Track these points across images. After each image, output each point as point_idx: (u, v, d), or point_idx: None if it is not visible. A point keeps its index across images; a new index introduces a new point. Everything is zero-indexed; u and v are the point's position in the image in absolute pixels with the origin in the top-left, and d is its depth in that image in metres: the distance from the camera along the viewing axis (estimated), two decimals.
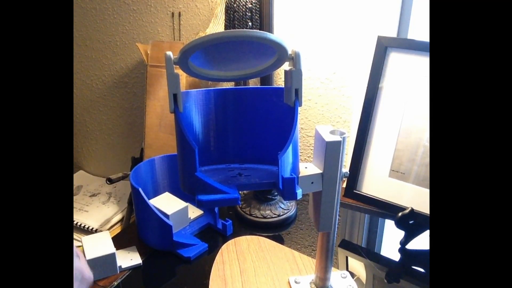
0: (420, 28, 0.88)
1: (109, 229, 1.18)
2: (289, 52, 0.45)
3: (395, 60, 0.76)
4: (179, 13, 1.11)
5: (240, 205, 0.83)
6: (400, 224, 0.71)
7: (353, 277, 0.62)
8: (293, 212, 0.81)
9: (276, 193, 0.82)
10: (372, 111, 0.78)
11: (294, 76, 0.46)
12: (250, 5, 0.87)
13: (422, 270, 0.68)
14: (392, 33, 0.86)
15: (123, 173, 1.16)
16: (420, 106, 0.73)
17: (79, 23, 1.28)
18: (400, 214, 0.71)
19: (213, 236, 0.76)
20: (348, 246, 0.74)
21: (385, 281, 0.65)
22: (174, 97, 0.45)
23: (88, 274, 0.49)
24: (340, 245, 0.74)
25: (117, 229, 1.20)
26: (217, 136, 0.53)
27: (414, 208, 0.72)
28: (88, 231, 1.16)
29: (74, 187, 1.41)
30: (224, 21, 0.92)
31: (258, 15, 0.88)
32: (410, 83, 0.74)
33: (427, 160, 0.72)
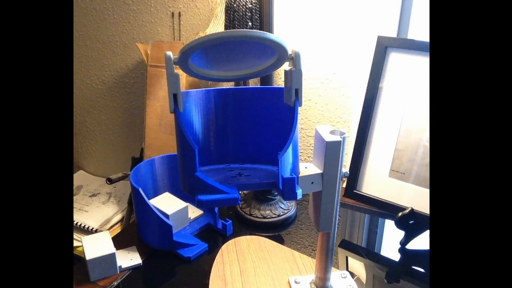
0: (420, 28, 0.88)
1: (109, 229, 1.18)
2: (289, 52, 0.45)
3: (395, 60, 0.76)
4: (179, 13, 1.11)
5: (240, 205, 0.83)
6: (400, 224, 0.71)
7: (353, 277, 0.62)
8: (293, 212, 0.81)
9: (276, 193, 0.82)
10: (372, 111, 0.78)
11: (294, 76, 0.46)
12: (250, 5, 0.87)
13: (422, 270, 0.68)
14: (392, 33, 0.86)
15: (123, 173, 1.16)
16: (420, 106, 0.73)
17: (79, 23, 1.28)
18: (400, 214, 0.71)
19: (213, 236, 0.76)
20: (348, 246, 0.74)
21: (385, 281, 0.65)
22: (174, 97, 0.45)
23: None
24: (340, 245, 0.74)
25: (117, 229, 1.20)
26: (217, 136, 0.53)
27: (414, 208, 0.72)
28: (88, 231, 1.16)
29: (74, 187, 1.41)
30: (224, 21, 0.92)
31: (258, 15, 0.88)
32: (410, 83, 0.74)
33: (427, 160, 0.72)
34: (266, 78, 0.92)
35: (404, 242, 0.72)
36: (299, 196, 0.44)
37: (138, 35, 1.20)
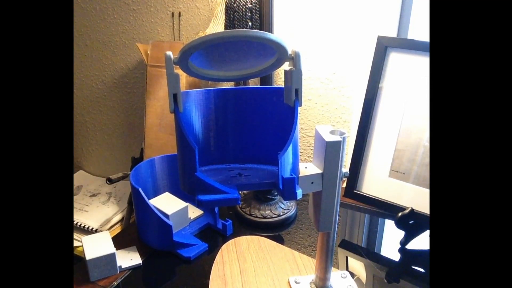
0: (420, 28, 0.88)
1: (109, 229, 1.18)
2: (289, 52, 0.45)
3: (395, 60, 0.76)
4: (179, 13, 1.11)
5: (240, 205, 0.83)
6: (400, 224, 0.71)
7: (353, 277, 0.62)
8: (293, 212, 0.81)
9: (276, 193, 0.82)
10: (372, 111, 0.78)
11: (294, 76, 0.46)
12: (250, 5, 0.88)
13: (422, 270, 0.68)
14: (392, 33, 0.86)
15: (123, 173, 1.16)
16: (420, 106, 0.73)
17: (79, 23, 1.28)
18: (400, 214, 0.71)
19: (213, 236, 0.76)
20: (348, 246, 0.74)
21: (385, 281, 0.65)
22: (174, 97, 0.45)
23: None
24: (340, 245, 0.74)
25: (117, 229, 1.20)
26: (217, 136, 0.53)
27: (414, 208, 0.72)
28: (88, 231, 1.16)
29: (74, 187, 1.41)
30: (224, 21, 0.92)
31: (258, 15, 0.88)
32: (410, 83, 0.74)
33: (427, 160, 0.72)
34: (266, 78, 0.92)
35: (404, 242, 0.72)
36: (299, 196, 0.44)
37: (138, 35, 1.20)
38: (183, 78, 0.99)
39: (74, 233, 1.17)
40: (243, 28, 0.89)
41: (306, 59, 0.96)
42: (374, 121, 0.78)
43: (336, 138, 0.47)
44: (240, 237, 0.73)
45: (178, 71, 0.44)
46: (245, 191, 0.86)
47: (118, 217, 1.23)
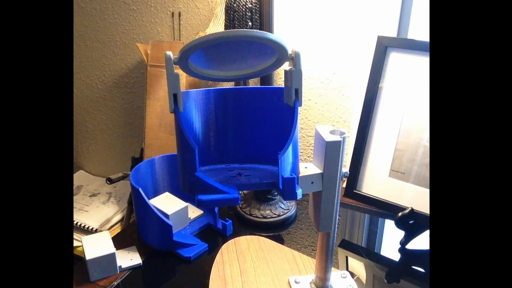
0: (420, 28, 0.88)
1: (109, 229, 1.18)
2: (289, 52, 0.45)
3: (395, 60, 0.76)
4: (179, 13, 1.11)
5: (240, 205, 0.83)
6: (400, 224, 0.71)
7: (353, 277, 0.62)
8: (293, 212, 0.81)
9: (276, 193, 0.82)
10: (372, 111, 0.78)
11: (294, 76, 0.46)
12: (250, 5, 0.87)
13: (422, 270, 0.68)
14: (392, 33, 0.86)
15: (123, 173, 1.16)
16: (420, 106, 0.73)
17: (79, 23, 1.28)
18: (400, 214, 0.71)
19: (213, 236, 0.76)
20: (348, 246, 0.74)
21: (385, 281, 0.65)
22: (174, 97, 0.45)
23: None
24: (340, 245, 0.74)
25: (117, 229, 1.20)
26: (217, 136, 0.53)
27: (414, 208, 0.72)
28: (88, 231, 1.16)
29: (74, 187, 1.41)
30: (224, 21, 0.92)
31: (258, 15, 0.88)
32: (410, 83, 0.74)
33: (427, 160, 0.72)
34: (266, 78, 0.92)
35: (404, 242, 0.72)
36: (299, 196, 0.44)
37: (138, 35, 1.20)
38: (183, 78, 0.99)
39: (74, 233, 1.17)
40: (243, 28, 0.89)
41: (306, 59, 0.96)
42: (374, 121, 0.78)
43: (336, 138, 0.47)
44: (240, 237, 0.73)
45: (178, 71, 0.44)
46: (245, 191, 0.86)
47: (118, 217, 1.23)
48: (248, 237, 0.73)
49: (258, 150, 0.54)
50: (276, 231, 0.77)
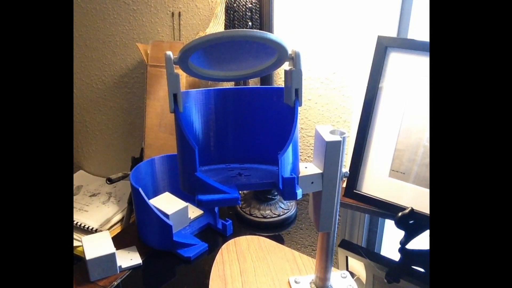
0: (420, 28, 0.88)
1: (109, 229, 1.18)
2: (289, 52, 0.45)
3: (395, 60, 0.76)
4: (179, 13, 1.11)
5: (240, 205, 0.83)
6: (400, 224, 0.71)
7: (353, 277, 0.62)
8: (293, 212, 0.81)
9: (276, 193, 0.82)
10: (372, 111, 0.78)
11: (294, 76, 0.46)
12: (250, 5, 0.88)
13: (422, 270, 0.68)
14: (392, 33, 0.86)
15: (123, 173, 1.16)
16: (420, 106, 0.73)
17: (79, 23, 1.28)
18: (400, 214, 0.71)
19: (213, 236, 0.76)
20: (348, 246, 0.74)
21: (385, 281, 0.65)
22: (174, 97, 0.45)
23: None
24: (340, 245, 0.74)
25: (117, 229, 1.20)
26: (217, 136, 0.53)
27: (414, 208, 0.72)
28: (88, 231, 1.16)
29: (74, 187, 1.41)
30: (224, 21, 0.92)
31: (258, 15, 0.88)
32: (410, 83, 0.74)
33: (427, 160, 0.72)
34: (266, 78, 0.92)
35: (404, 242, 0.72)
36: (299, 196, 0.44)
37: (138, 35, 1.20)
38: (183, 78, 0.99)
39: (74, 233, 1.17)
40: (243, 28, 0.89)
41: (306, 59, 0.96)
42: (374, 121, 0.78)
43: (336, 138, 0.47)
44: (240, 237, 0.73)
45: (178, 71, 0.44)
46: (245, 191, 0.86)
47: (118, 217, 1.23)
48: (248, 237, 0.73)
49: (258, 150, 0.54)
50: (276, 231, 0.77)
